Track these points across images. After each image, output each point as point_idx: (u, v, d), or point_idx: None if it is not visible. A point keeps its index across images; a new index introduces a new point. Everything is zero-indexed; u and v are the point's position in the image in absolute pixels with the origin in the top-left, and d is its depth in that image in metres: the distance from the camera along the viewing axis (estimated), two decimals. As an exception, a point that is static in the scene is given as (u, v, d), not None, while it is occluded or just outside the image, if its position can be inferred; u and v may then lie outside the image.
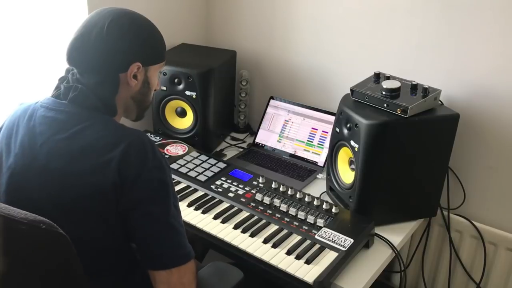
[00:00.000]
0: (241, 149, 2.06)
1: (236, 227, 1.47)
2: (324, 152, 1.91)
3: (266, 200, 1.56)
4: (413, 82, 1.55)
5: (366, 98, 1.55)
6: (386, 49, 1.80)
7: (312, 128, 1.97)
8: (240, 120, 2.22)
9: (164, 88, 1.90)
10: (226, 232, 1.45)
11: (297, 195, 1.58)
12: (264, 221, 1.50)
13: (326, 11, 1.91)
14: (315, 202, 1.55)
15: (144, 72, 1.20)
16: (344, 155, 1.62)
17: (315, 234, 1.43)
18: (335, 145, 1.63)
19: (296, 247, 1.38)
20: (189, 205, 1.57)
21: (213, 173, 1.73)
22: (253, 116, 2.25)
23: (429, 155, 1.54)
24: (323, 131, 1.94)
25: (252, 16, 2.13)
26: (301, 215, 1.49)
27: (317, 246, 1.39)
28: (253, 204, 1.56)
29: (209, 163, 1.79)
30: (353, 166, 1.56)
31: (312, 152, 1.94)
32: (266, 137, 2.06)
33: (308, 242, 1.41)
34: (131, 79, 1.17)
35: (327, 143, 1.88)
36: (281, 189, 1.62)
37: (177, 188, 1.66)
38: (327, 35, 1.94)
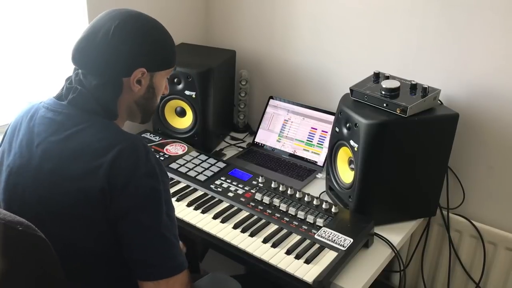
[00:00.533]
0: (241, 149, 2.06)
1: (235, 226, 1.47)
2: (324, 152, 1.91)
3: (266, 199, 1.56)
4: (413, 82, 1.55)
5: (366, 97, 1.55)
6: (386, 48, 1.80)
7: (312, 128, 1.97)
8: (240, 120, 2.22)
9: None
10: (226, 232, 1.45)
11: (297, 195, 1.58)
12: (263, 220, 1.50)
13: (325, 10, 1.91)
14: (314, 202, 1.55)
15: (149, 77, 1.18)
16: (343, 155, 1.62)
17: (314, 233, 1.43)
18: (335, 145, 1.63)
19: (295, 247, 1.38)
20: (188, 205, 1.57)
21: (212, 173, 1.73)
22: (252, 115, 2.25)
23: (429, 155, 1.54)
24: (322, 131, 1.94)
25: (251, 15, 2.13)
26: (301, 214, 1.49)
27: (317, 245, 1.39)
28: (253, 204, 1.56)
29: (208, 163, 1.79)
30: (352, 166, 1.56)
31: (312, 152, 1.95)
32: (266, 136, 2.06)
33: (307, 241, 1.41)
34: (134, 85, 1.15)
35: (326, 143, 1.88)
36: (280, 188, 1.62)
37: (176, 187, 1.66)
38: (327, 35, 1.94)
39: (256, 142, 2.08)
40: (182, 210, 1.54)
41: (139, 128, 1.99)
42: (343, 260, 1.34)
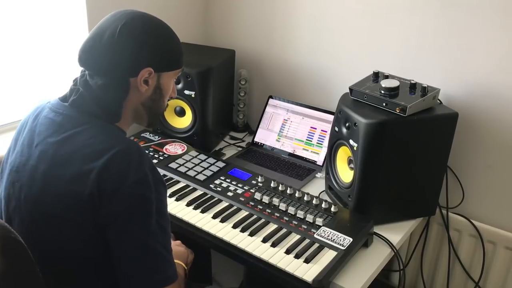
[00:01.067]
0: (240, 148, 2.06)
1: (235, 226, 1.47)
2: (323, 151, 1.91)
3: (265, 199, 1.56)
4: (412, 81, 1.55)
5: (365, 97, 1.55)
6: (385, 48, 1.80)
7: (311, 127, 1.97)
8: (239, 119, 2.22)
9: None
10: (225, 231, 1.45)
11: (296, 194, 1.58)
12: (263, 220, 1.50)
13: (325, 10, 1.91)
14: (314, 201, 1.55)
15: (156, 78, 1.16)
16: (343, 154, 1.62)
17: (314, 233, 1.43)
18: (334, 144, 1.63)
19: (295, 246, 1.38)
20: (188, 204, 1.57)
21: (212, 172, 1.73)
22: (252, 115, 2.25)
23: (428, 154, 1.54)
24: (322, 130, 1.94)
25: (251, 15, 2.13)
26: (300, 214, 1.49)
27: (316, 245, 1.39)
28: (252, 203, 1.56)
29: (208, 162, 1.79)
30: (352, 165, 1.56)
31: (311, 151, 1.95)
32: (265, 136, 2.06)
33: (307, 241, 1.41)
34: (141, 85, 1.14)
35: (326, 142, 1.88)
36: (280, 188, 1.62)
37: (176, 187, 1.66)
38: (326, 34, 1.94)
39: (256, 142, 2.08)
40: (182, 210, 1.54)
41: (138, 127, 1.99)
42: (343, 259, 1.34)
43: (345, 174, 1.62)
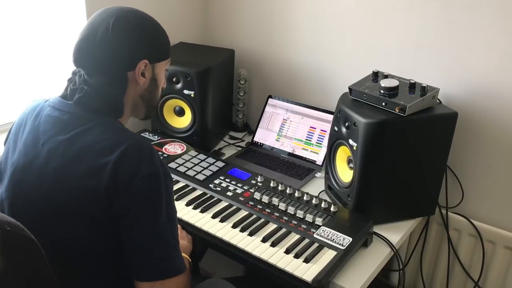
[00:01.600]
0: (240, 148, 2.06)
1: (234, 226, 1.47)
2: (323, 151, 1.91)
3: (265, 199, 1.56)
4: (412, 81, 1.55)
5: (365, 96, 1.55)
6: (385, 47, 1.80)
7: (311, 127, 1.97)
8: (239, 119, 2.22)
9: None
10: (225, 231, 1.45)
11: (296, 194, 1.58)
12: (262, 220, 1.50)
13: (324, 10, 1.91)
14: (313, 201, 1.55)
15: (151, 69, 1.20)
16: (342, 154, 1.62)
17: (313, 232, 1.43)
18: (334, 144, 1.63)
19: (294, 246, 1.38)
20: (187, 204, 1.57)
21: (211, 172, 1.73)
22: (251, 115, 2.25)
23: (428, 154, 1.54)
24: (321, 130, 1.94)
25: (250, 14, 2.12)
26: (300, 213, 1.49)
27: (316, 244, 1.39)
28: (252, 203, 1.56)
29: (207, 162, 1.79)
30: (351, 165, 1.56)
31: (311, 151, 1.94)
32: (265, 136, 2.06)
33: (306, 240, 1.41)
34: (139, 77, 1.17)
35: (325, 142, 1.88)
36: (279, 188, 1.62)
37: (175, 187, 1.66)
38: (326, 34, 1.94)
39: (255, 141, 2.08)
40: (181, 210, 1.54)
41: (138, 127, 1.99)
42: (342, 259, 1.34)
43: (345, 173, 1.62)
